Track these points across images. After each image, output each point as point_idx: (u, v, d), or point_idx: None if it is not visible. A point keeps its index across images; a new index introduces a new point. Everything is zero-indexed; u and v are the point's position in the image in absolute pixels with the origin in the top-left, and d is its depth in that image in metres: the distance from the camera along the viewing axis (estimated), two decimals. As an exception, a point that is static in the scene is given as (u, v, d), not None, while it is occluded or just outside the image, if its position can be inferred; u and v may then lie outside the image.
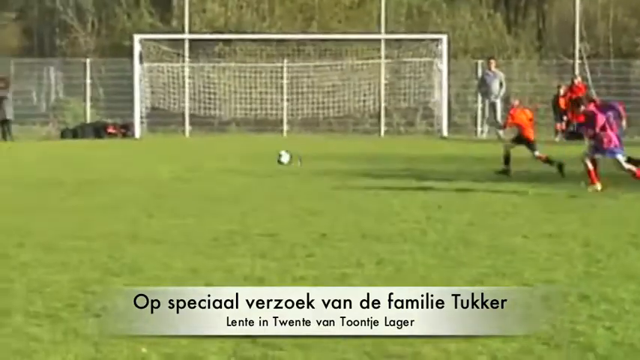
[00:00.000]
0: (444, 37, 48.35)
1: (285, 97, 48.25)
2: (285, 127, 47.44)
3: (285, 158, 29.94)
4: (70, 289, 12.07)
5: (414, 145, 39.77)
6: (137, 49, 46.28)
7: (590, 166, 23.94)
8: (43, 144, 41.03)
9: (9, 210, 20.21)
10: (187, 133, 46.49)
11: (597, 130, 24.22)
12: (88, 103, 50.11)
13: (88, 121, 48.29)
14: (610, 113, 24.49)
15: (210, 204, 20.93)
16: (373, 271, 13.20)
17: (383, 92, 48.42)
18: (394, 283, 12.33)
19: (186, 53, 48.56)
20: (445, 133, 46.17)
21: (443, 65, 47.68)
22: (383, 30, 50.02)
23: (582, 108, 24.84)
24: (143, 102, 46.13)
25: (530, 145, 27.88)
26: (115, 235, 16.31)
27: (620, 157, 24.49)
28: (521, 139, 27.92)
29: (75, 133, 46.19)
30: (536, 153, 27.68)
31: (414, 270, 13.26)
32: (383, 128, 47.53)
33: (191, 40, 49.11)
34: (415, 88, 49.00)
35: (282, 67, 48.52)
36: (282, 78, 48.46)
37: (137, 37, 47.12)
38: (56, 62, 58.65)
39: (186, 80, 47.32)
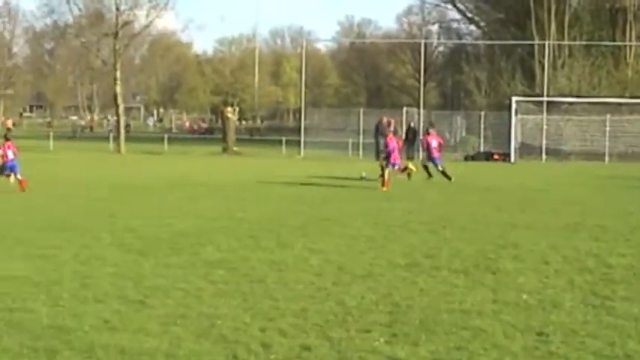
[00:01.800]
0: None
1: (607, 138, 46.46)
2: (607, 158, 45.57)
3: (364, 174, 28.02)
4: (475, 255, 12.15)
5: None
6: (513, 106, 45.99)
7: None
8: (454, 164, 41.21)
9: (440, 204, 20.38)
10: (544, 160, 45.48)
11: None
12: (482, 139, 50.06)
13: (481, 150, 48.19)
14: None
15: (559, 205, 20.41)
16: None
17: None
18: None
19: (544, 109, 47.61)
20: None
21: None
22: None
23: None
24: (516, 139, 45.72)
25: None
26: (500, 223, 16.24)
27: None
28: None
29: (472, 157, 46.26)
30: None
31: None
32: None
33: (548, 102, 48.03)
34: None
35: (605, 120, 46.80)
36: (605, 126, 46.70)
37: (514, 99, 46.89)
38: (461, 113, 59.21)
39: (544, 126, 46.41)
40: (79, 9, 54.50)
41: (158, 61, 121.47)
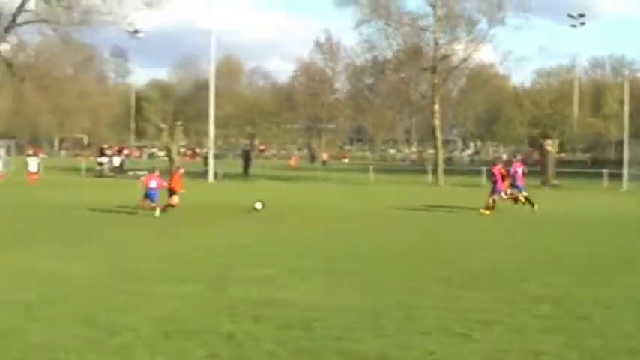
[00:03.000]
0: None
1: None
2: None
3: (259, 206, 26.84)
4: None
5: None
6: None
7: None
8: None
9: None
10: None
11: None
12: None
13: None
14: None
15: None
16: None
17: None
18: None
19: None
20: None
21: None
22: None
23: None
24: None
25: None
26: None
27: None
28: None
29: None
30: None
31: None
32: None
33: None
34: None
35: None
36: None
37: None
38: None
39: None
40: (398, 44, 55.96)
41: (476, 94, 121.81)
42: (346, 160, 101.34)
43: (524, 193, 28.62)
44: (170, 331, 9.16)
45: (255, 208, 26.96)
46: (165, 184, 26.78)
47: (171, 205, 26.53)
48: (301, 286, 12.22)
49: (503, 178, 28.49)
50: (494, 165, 30.13)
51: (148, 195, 26.09)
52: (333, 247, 17.28)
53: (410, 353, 8.37)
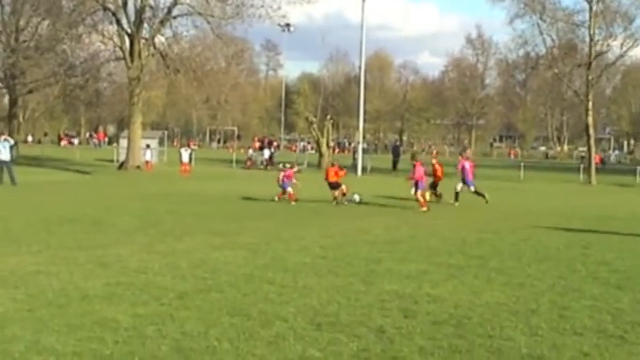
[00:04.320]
0: None
1: None
2: None
3: (357, 198, 28.05)
4: None
5: None
6: None
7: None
8: None
9: None
10: None
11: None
12: None
13: None
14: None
15: None
16: None
17: None
18: None
19: None
20: None
21: None
22: None
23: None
24: None
25: None
26: None
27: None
28: None
29: None
30: None
31: None
32: None
33: None
34: None
35: None
36: None
37: None
38: None
39: None
40: (552, 40, 54.85)
41: (630, 92, 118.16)
42: (513, 157, 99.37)
43: (472, 188, 29.31)
44: (322, 324, 9.25)
45: (353, 200, 27.84)
46: (294, 179, 28.90)
47: (344, 194, 27.81)
48: (451, 283, 12.13)
49: (435, 171, 29.92)
50: (416, 161, 29.85)
51: (281, 186, 28.60)
52: (484, 245, 17.08)
53: (563, 354, 8.21)
